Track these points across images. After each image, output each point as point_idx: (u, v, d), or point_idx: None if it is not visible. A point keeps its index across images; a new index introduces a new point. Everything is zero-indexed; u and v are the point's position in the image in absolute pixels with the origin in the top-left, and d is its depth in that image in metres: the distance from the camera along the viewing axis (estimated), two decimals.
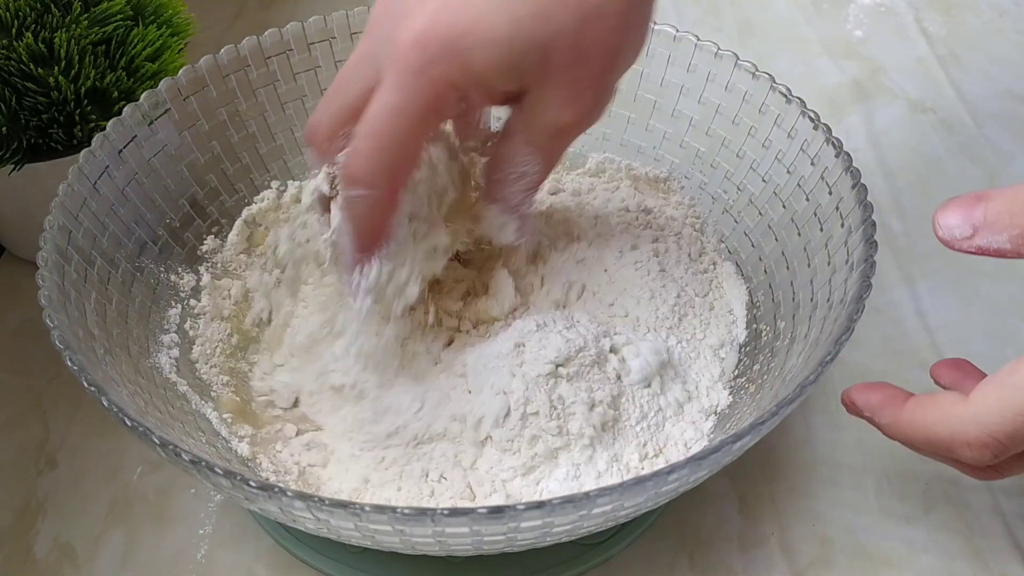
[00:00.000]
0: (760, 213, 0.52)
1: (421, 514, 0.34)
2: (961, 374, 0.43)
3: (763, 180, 0.52)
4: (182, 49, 0.57)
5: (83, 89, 0.52)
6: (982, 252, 0.38)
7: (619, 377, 0.45)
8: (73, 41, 0.52)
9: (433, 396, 0.45)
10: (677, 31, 0.53)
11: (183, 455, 0.36)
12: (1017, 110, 0.70)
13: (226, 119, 0.53)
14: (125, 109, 0.49)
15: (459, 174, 0.46)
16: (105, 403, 0.38)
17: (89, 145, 0.47)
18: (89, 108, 0.53)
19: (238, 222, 0.54)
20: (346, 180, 0.41)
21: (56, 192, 0.45)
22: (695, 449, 0.45)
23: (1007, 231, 0.38)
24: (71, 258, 0.45)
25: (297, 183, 0.56)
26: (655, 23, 0.48)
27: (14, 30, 0.52)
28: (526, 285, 0.50)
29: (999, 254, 0.38)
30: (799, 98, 0.50)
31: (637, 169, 0.56)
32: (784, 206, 0.50)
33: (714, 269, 0.53)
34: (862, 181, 0.45)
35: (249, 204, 0.55)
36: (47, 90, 0.52)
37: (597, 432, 0.44)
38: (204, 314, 0.51)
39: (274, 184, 0.55)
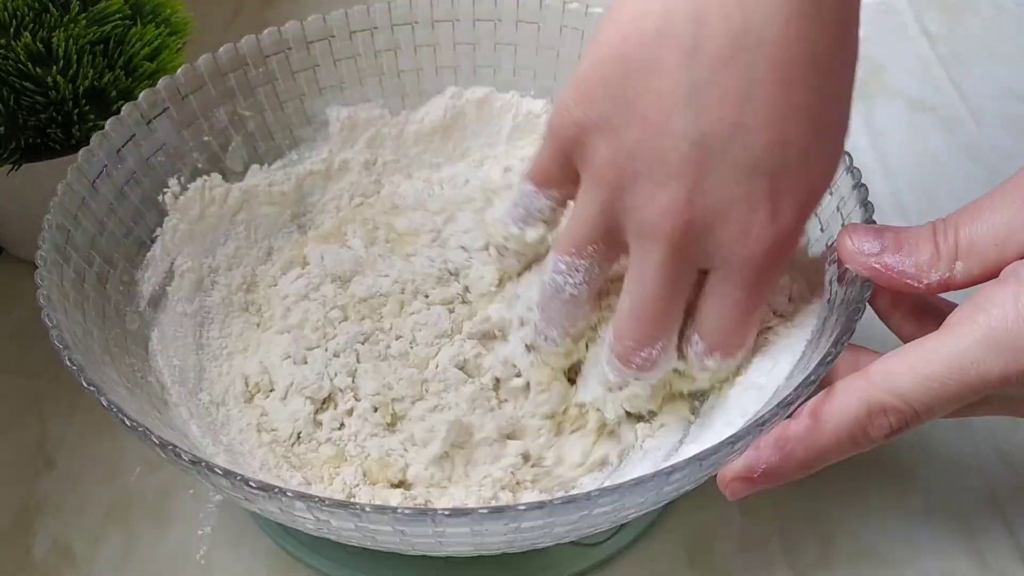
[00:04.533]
0: None
1: (421, 514, 0.34)
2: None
3: None
4: (180, 48, 0.57)
5: (81, 88, 0.52)
6: (882, 274, 0.40)
7: None
8: (71, 40, 0.52)
9: None
10: None
11: (183, 455, 0.36)
12: (1018, 109, 0.70)
13: (225, 118, 0.53)
14: (124, 108, 0.49)
15: None
16: (104, 403, 0.38)
17: (87, 144, 0.47)
18: (87, 107, 0.53)
19: None
20: None
21: (54, 191, 0.45)
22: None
23: (914, 256, 0.39)
24: (70, 257, 0.44)
25: None
26: None
27: (12, 29, 0.52)
28: None
29: (900, 277, 0.39)
30: None
31: None
32: None
33: None
34: (863, 181, 0.45)
35: None
36: (45, 90, 0.52)
37: None
38: None
39: None
